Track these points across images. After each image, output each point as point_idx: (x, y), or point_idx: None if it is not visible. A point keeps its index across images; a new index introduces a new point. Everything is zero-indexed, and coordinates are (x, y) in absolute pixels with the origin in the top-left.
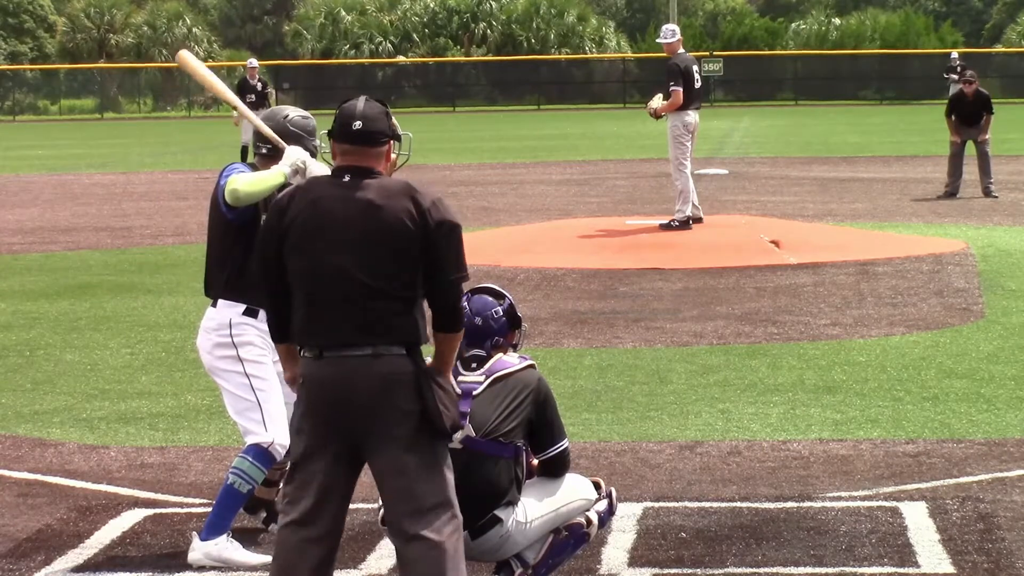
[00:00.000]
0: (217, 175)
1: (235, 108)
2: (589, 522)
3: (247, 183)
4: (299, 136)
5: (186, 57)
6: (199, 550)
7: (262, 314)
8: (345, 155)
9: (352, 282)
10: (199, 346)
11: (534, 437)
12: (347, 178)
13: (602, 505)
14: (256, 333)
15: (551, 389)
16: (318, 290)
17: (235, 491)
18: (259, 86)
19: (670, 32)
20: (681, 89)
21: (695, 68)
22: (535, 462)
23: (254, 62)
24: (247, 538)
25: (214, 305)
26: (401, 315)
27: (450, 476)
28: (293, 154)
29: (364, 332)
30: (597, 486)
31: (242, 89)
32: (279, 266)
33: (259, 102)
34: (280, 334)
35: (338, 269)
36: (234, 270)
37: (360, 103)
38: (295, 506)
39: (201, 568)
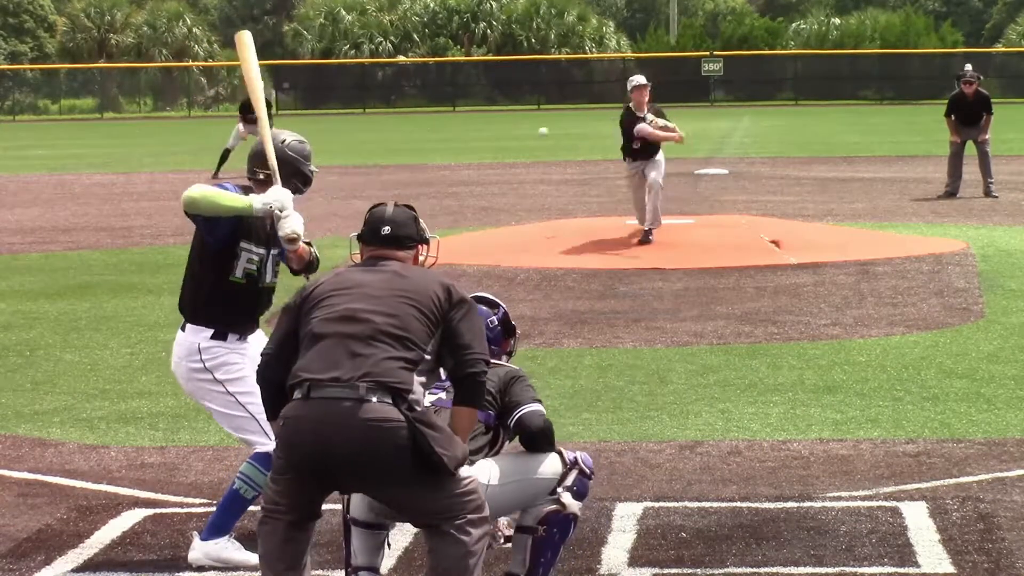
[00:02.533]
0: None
1: (259, 119)
2: (563, 505)
3: (206, 193)
4: (296, 161)
5: (245, 40)
6: (199, 549)
7: (231, 336)
8: (370, 253)
9: (362, 321)
10: (176, 374)
11: (505, 410)
12: (376, 264)
13: (571, 478)
14: (226, 352)
15: (526, 375)
16: (328, 329)
17: (240, 496)
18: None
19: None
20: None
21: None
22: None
23: None
24: (248, 538)
25: (183, 329)
26: (399, 369)
27: (470, 485)
28: (276, 194)
29: (359, 372)
30: (561, 456)
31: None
32: (287, 338)
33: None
34: (274, 411)
35: (352, 311)
36: (203, 295)
37: (390, 208)
38: (271, 522)
39: (200, 568)
